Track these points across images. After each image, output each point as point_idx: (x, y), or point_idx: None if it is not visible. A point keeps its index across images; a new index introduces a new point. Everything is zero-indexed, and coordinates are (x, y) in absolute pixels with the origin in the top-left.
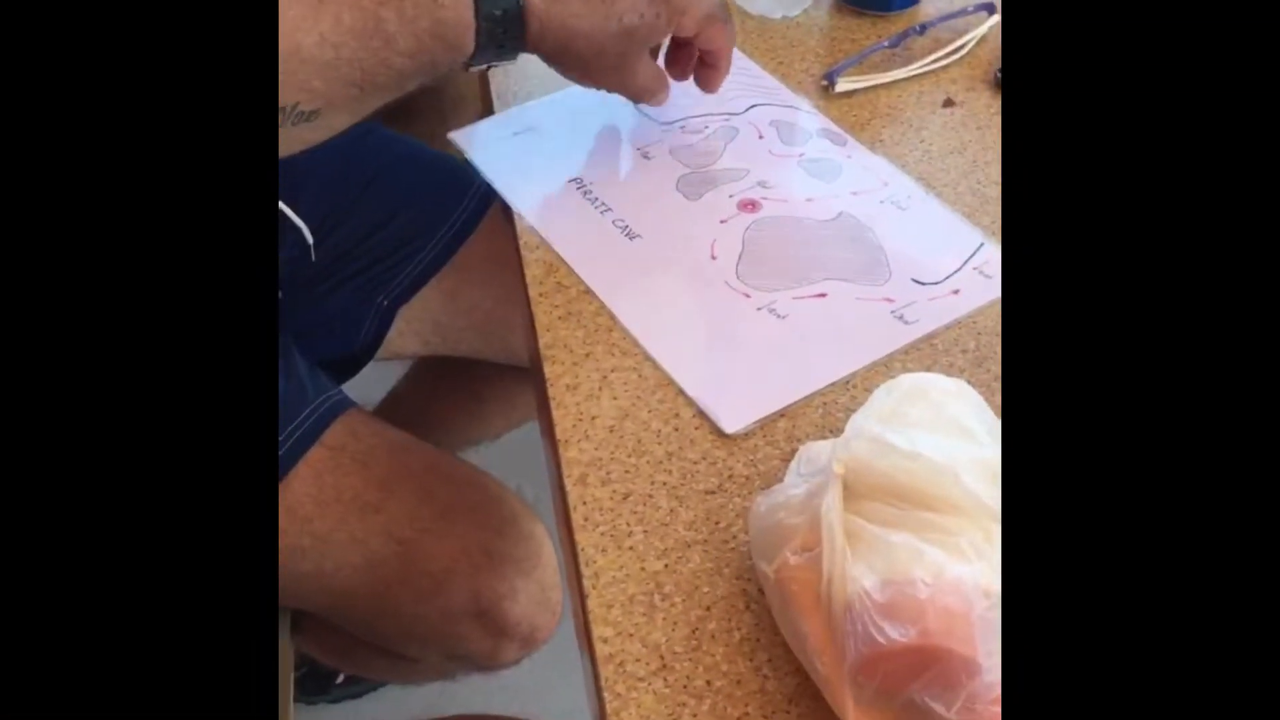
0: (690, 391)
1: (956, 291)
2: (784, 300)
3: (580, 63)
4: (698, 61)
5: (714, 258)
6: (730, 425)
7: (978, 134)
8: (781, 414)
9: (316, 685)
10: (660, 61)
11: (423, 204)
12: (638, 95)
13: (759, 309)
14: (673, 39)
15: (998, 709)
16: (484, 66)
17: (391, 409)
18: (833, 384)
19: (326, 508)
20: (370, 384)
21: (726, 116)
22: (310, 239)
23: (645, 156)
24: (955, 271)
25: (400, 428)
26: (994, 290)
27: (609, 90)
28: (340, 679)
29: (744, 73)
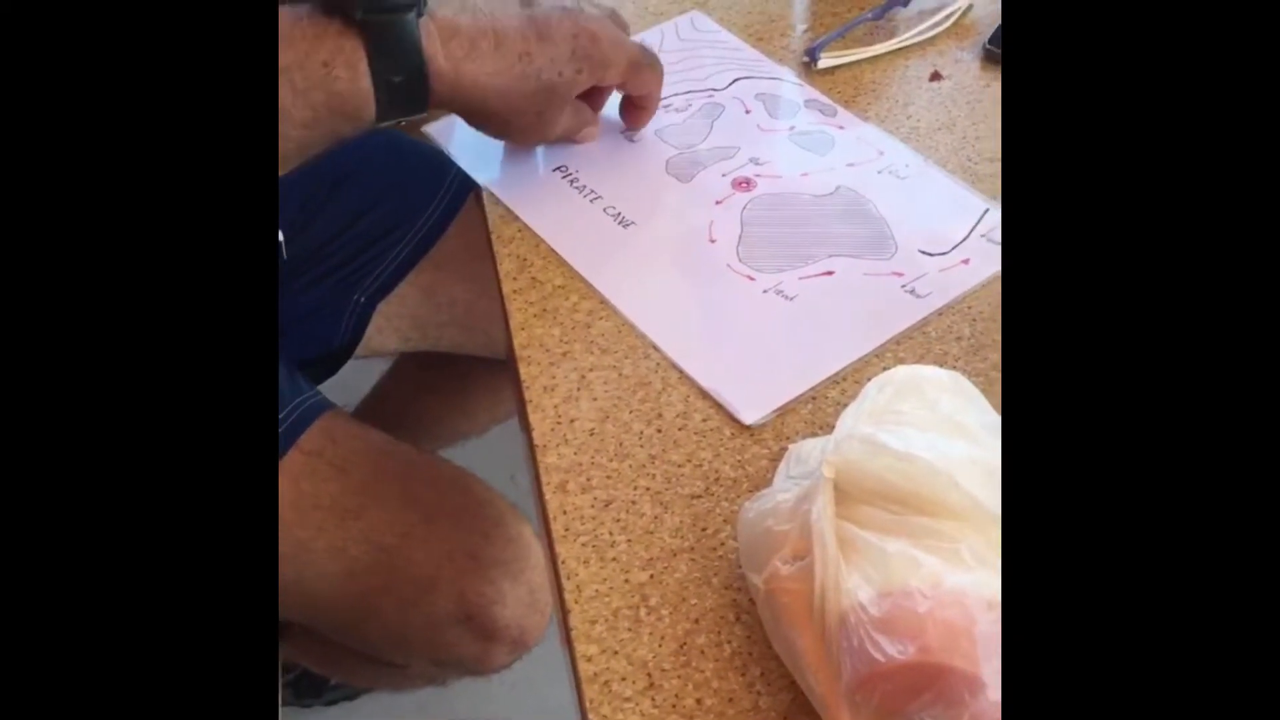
0: (704, 383)
1: (966, 261)
2: (790, 281)
3: (498, 120)
4: (624, 100)
5: (713, 240)
6: (750, 416)
7: (967, 108)
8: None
9: (310, 688)
10: None
11: (397, 197)
12: (560, 140)
13: (765, 291)
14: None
15: None
16: (395, 123)
17: (375, 407)
18: (852, 363)
19: (305, 515)
20: (352, 382)
21: (710, 93)
22: (280, 236)
23: (629, 139)
24: (963, 240)
25: (385, 426)
26: None
27: (526, 145)
28: (334, 680)
29: (723, 45)
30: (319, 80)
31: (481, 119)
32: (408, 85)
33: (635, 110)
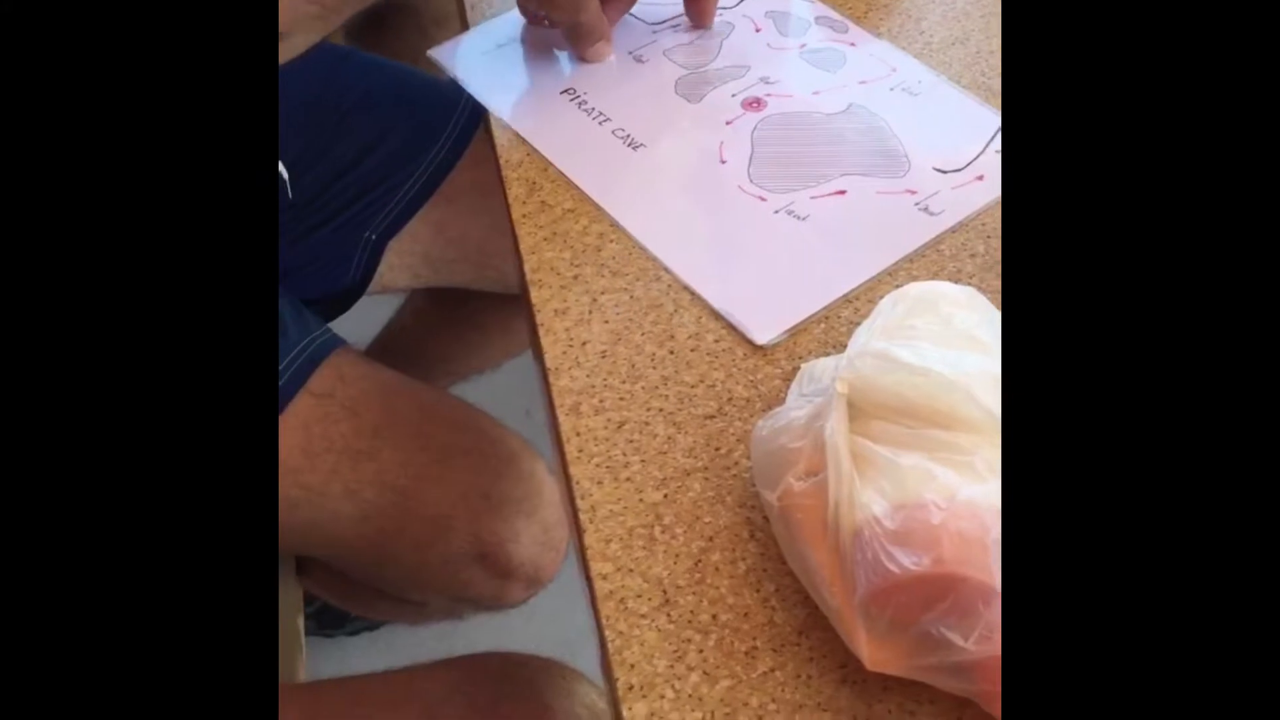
0: (716, 304)
1: (981, 177)
2: (802, 200)
3: None
4: None
5: (723, 161)
6: (762, 336)
7: (981, 22)
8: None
9: (333, 619)
10: None
11: (405, 132)
12: (583, 30)
13: (776, 212)
14: None
15: None
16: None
17: (389, 343)
18: (865, 282)
19: (317, 459)
20: (364, 319)
21: (719, 12)
22: (286, 175)
23: (638, 60)
24: (977, 156)
25: (398, 362)
26: None
27: (556, 19)
28: (354, 614)
29: None
30: None
31: None
32: None
33: (694, 2)
